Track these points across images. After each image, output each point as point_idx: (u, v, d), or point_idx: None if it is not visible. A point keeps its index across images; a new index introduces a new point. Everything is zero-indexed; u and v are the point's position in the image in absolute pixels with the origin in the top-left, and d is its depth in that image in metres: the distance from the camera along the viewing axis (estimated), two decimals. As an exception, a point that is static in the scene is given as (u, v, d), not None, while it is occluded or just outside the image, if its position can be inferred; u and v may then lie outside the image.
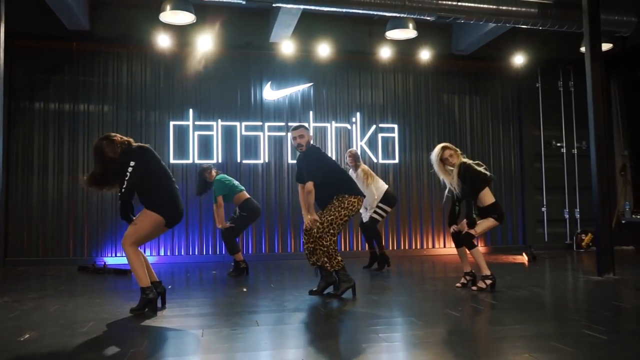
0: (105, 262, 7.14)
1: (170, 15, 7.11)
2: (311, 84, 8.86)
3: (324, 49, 8.53)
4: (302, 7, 6.67)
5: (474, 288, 5.00)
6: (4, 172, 7.86)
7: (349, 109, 8.99)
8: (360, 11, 6.82)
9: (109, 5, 8.11)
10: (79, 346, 3.14)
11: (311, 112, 8.81)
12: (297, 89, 8.81)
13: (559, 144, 9.67)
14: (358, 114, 9.00)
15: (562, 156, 9.69)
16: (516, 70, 9.45)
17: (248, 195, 6.57)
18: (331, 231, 4.67)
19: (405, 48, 8.89)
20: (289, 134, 5.05)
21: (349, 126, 8.93)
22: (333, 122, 8.88)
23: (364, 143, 8.95)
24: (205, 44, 8.12)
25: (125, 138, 4.26)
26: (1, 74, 4.84)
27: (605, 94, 6.20)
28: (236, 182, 6.63)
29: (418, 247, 9.07)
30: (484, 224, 5.10)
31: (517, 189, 9.63)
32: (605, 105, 6.18)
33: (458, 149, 5.29)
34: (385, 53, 8.80)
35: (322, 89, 8.92)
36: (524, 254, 8.17)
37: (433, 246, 9.12)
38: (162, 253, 8.20)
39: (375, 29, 8.81)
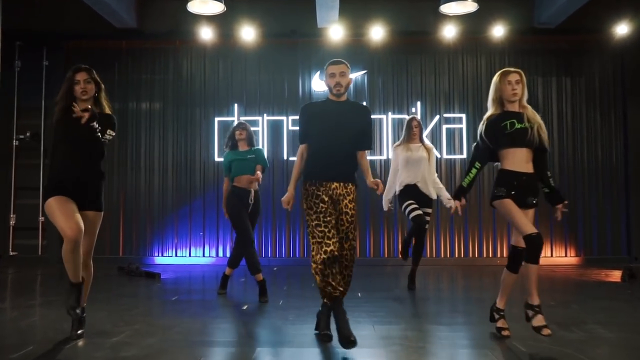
0: (137, 265, 6.92)
1: (199, 5, 6.70)
2: (364, 71, 8.02)
3: (377, 32, 7.63)
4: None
5: (548, 332, 3.14)
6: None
7: (407, 98, 8.01)
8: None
9: (155, 1, 7.98)
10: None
11: (364, 103, 7.97)
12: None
13: (679, 133, 7.78)
14: (418, 103, 7.98)
15: (685, 148, 7.80)
16: (620, 42, 7.70)
17: None
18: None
19: (476, 25, 7.62)
20: (326, 71, 3.48)
21: (407, 117, 7.93)
22: (389, 114, 7.98)
23: (425, 136, 7.87)
24: (249, 34, 7.66)
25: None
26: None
27: None
28: None
29: (490, 255, 7.84)
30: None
31: (620, 188, 7.93)
32: None
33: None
34: (450, 32, 7.65)
35: (377, 77, 8.04)
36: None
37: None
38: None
39: (438, 5, 7.68)
